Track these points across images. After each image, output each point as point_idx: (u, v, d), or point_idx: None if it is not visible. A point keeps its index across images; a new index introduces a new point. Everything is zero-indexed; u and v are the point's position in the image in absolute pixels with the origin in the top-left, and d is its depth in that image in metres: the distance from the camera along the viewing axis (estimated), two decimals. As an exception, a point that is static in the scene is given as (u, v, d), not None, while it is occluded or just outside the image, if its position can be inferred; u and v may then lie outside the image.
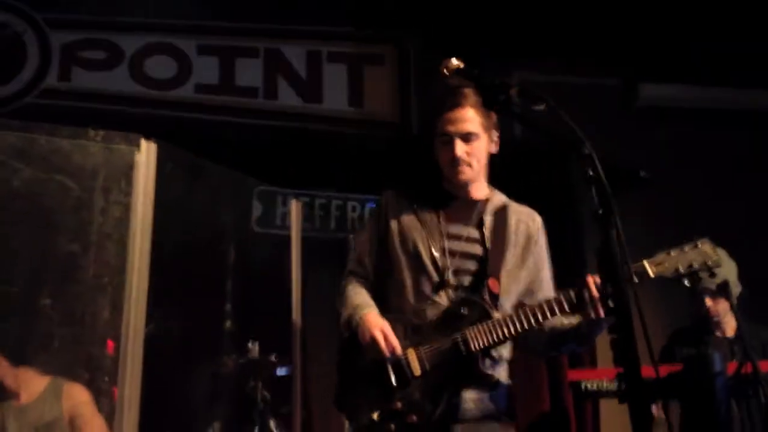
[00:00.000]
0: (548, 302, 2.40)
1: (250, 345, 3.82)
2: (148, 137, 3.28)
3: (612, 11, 4.96)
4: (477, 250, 2.52)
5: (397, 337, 2.39)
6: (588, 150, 1.89)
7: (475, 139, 2.51)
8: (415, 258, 2.49)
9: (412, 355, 2.38)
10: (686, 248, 2.38)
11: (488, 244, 2.52)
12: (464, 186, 2.58)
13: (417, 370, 2.37)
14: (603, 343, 4.91)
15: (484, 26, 4.90)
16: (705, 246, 2.40)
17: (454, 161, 2.51)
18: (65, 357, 3.53)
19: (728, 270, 3.95)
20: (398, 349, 2.36)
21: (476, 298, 2.45)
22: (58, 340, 3.42)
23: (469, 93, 2.49)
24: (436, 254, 2.48)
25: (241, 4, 4.99)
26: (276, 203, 4.65)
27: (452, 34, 4.79)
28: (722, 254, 3.97)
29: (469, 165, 2.52)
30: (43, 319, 3.37)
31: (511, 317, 2.39)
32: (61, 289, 3.39)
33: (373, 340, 2.37)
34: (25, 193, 3.32)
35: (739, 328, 3.77)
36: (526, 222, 2.62)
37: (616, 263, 1.85)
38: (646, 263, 2.34)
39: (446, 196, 2.60)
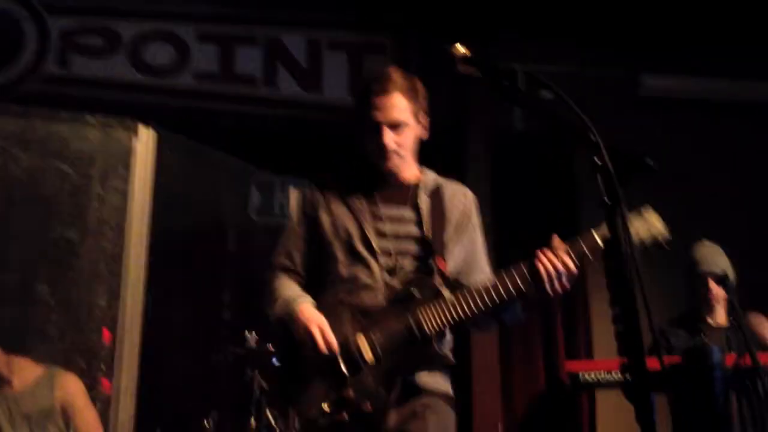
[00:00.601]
0: (503, 280, 2.29)
1: (247, 334, 3.79)
2: (146, 123, 3.24)
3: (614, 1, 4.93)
4: (414, 231, 2.42)
5: (344, 322, 2.29)
6: (595, 138, 1.87)
7: (403, 128, 2.41)
8: (348, 245, 2.38)
9: (362, 341, 2.26)
10: (631, 216, 2.29)
11: (427, 224, 2.41)
12: (393, 174, 2.47)
13: (369, 357, 2.24)
14: (599, 333, 4.95)
15: (484, 16, 4.86)
16: (650, 216, 2.34)
17: (382, 151, 2.40)
18: (62, 345, 3.51)
19: (724, 262, 3.94)
20: (334, 346, 2.23)
21: (426, 278, 2.35)
22: (55, 328, 3.40)
23: (397, 77, 2.41)
24: (371, 238, 2.37)
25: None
26: (274, 192, 4.60)
27: (453, 23, 4.75)
28: (713, 247, 3.99)
29: (397, 154, 2.41)
30: (39, 306, 3.34)
31: (465, 296, 2.29)
32: (57, 276, 3.36)
33: (310, 336, 2.24)
34: (22, 179, 3.28)
35: (738, 320, 3.73)
36: (460, 198, 2.53)
37: (622, 253, 1.83)
38: (594, 232, 2.27)
39: (376, 179, 2.48)
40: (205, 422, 3.62)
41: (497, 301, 2.28)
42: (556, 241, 2.29)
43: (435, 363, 2.34)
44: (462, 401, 4.59)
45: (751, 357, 3.34)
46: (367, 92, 2.42)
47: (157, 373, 3.60)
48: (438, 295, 2.31)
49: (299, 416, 2.26)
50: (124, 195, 3.26)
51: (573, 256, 2.26)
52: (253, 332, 3.70)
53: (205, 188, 3.94)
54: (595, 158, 1.85)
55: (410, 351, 2.27)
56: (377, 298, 2.32)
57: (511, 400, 4.82)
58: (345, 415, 2.19)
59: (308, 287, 2.43)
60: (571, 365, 4.05)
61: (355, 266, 2.35)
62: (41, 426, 3.52)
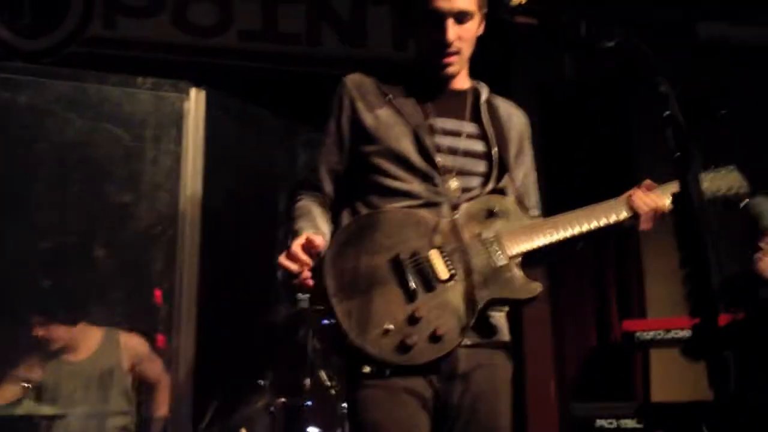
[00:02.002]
0: (601, 209, 2.12)
1: (300, 294, 3.77)
2: (198, 85, 3.21)
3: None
4: (480, 147, 2.16)
5: (413, 234, 1.99)
6: (665, 89, 1.79)
7: (468, 20, 2.11)
8: (401, 158, 2.07)
9: (436, 257, 1.98)
10: (722, 172, 2.26)
11: (493, 141, 2.16)
12: (449, 78, 2.19)
13: (444, 274, 1.97)
14: (652, 292, 4.87)
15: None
16: (734, 173, 2.27)
17: (443, 47, 2.10)
18: (122, 307, 3.57)
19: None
20: (300, 267, 1.89)
21: (505, 198, 2.13)
22: (114, 291, 3.44)
23: None
24: (431, 151, 2.07)
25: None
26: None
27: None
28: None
29: (459, 53, 2.13)
30: (98, 270, 3.37)
31: (552, 221, 2.09)
32: (114, 240, 3.39)
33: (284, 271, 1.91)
34: (76, 143, 3.29)
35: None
36: (518, 117, 2.31)
37: (694, 210, 1.75)
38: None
39: (426, 85, 2.19)
40: (261, 382, 3.65)
41: (589, 230, 2.10)
42: (649, 182, 2.18)
43: (510, 291, 2.03)
44: (513, 360, 4.62)
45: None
46: None
47: (214, 334, 3.63)
48: (520, 216, 2.11)
49: (353, 336, 1.90)
50: (176, 157, 3.25)
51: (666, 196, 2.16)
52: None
53: (254, 148, 3.91)
54: (665, 110, 1.77)
55: (489, 274, 2.01)
56: (443, 216, 2.05)
57: (563, 359, 4.80)
58: (414, 337, 1.90)
59: (346, 199, 2.16)
60: (628, 324, 4.01)
61: (415, 181, 2.07)
62: (107, 386, 3.60)
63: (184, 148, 3.23)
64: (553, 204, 2.31)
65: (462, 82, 2.24)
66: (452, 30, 2.09)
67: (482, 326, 2.04)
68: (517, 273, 2.05)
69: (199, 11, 4.81)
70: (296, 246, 1.92)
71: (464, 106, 2.20)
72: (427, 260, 1.98)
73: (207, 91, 3.26)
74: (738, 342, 3.46)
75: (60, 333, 3.63)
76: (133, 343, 3.72)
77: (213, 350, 3.60)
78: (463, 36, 2.12)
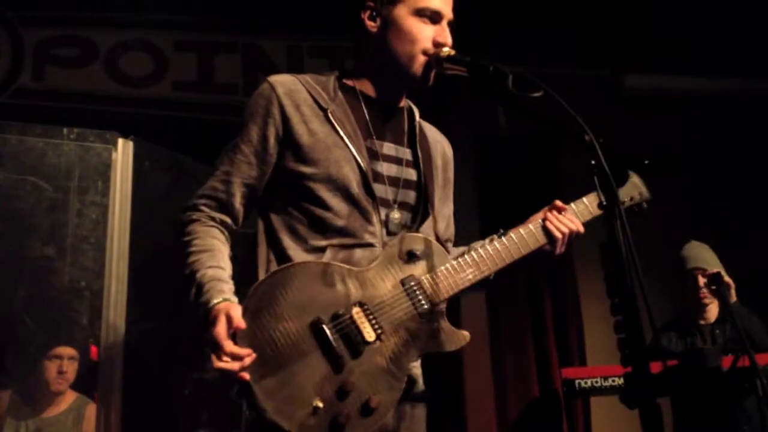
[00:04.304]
0: (519, 239, 2.00)
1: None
2: (125, 135, 3.16)
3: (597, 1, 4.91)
4: (413, 176, 1.99)
5: (335, 290, 1.79)
6: (589, 138, 1.81)
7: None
8: (341, 187, 1.86)
9: (359, 316, 1.79)
10: (626, 183, 2.23)
11: (422, 168, 2.00)
12: (420, 82, 1.97)
13: (370, 335, 1.78)
14: (592, 340, 4.90)
15: (467, 18, 4.80)
16: (635, 178, 2.25)
17: (437, 48, 1.93)
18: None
19: (714, 259, 3.91)
20: (234, 365, 1.63)
21: (425, 236, 1.94)
22: (35, 348, 3.30)
23: None
24: (371, 182, 1.88)
25: (219, -2, 4.86)
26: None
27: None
28: (701, 246, 3.96)
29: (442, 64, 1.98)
30: (18, 326, 3.24)
31: (473, 259, 1.93)
32: (36, 295, 3.26)
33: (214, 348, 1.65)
34: (-3, 195, 3.19)
35: (733, 318, 3.67)
36: (442, 142, 2.16)
37: (622, 256, 1.76)
38: (597, 192, 2.15)
39: (371, 98, 1.99)
40: (194, 442, 3.54)
41: (508, 261, 1.98)
42: (558, 203, 2.10)
43: (437, 344, 1.88)
44: (455, 411, 4.60)
45: (749, 358, 3.29)
46: None
47: (142, 392, 3.51)
48: (442, 255, 1.94)
49: (278, 419, 1.67)
50: (102, 209, 3.16)
51: (578, 215, 2.10)
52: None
53: (185, 199, 3.83)
54: (591, 159, 1.79)
55: (415, 328, 1.85)
56: (373, 258, 1.86)
57: (505, 408, 4.77)
58: (345, 412, 1.71)
59: (266, 228, 1.90)
60: (567, 372, 4.02)
61: (351, 217, 1.87)
62: None
63: (111, 200, 3.15)
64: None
65: (403, 98, 2.09)
66: (449, 34, 1.98)
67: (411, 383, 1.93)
68: (443, 323, 1.90)
69: (133, 62, 4.77)
70: (229, 344, 1.64)
71: (402, 127, 2.04)
72: (351, 321, 1.78)
73: (135, 142, 3.20)
74: (671, 389, 3.49)
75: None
76: (92, 417, 3.58)
77: (142, 409, 3.47)
78: None
